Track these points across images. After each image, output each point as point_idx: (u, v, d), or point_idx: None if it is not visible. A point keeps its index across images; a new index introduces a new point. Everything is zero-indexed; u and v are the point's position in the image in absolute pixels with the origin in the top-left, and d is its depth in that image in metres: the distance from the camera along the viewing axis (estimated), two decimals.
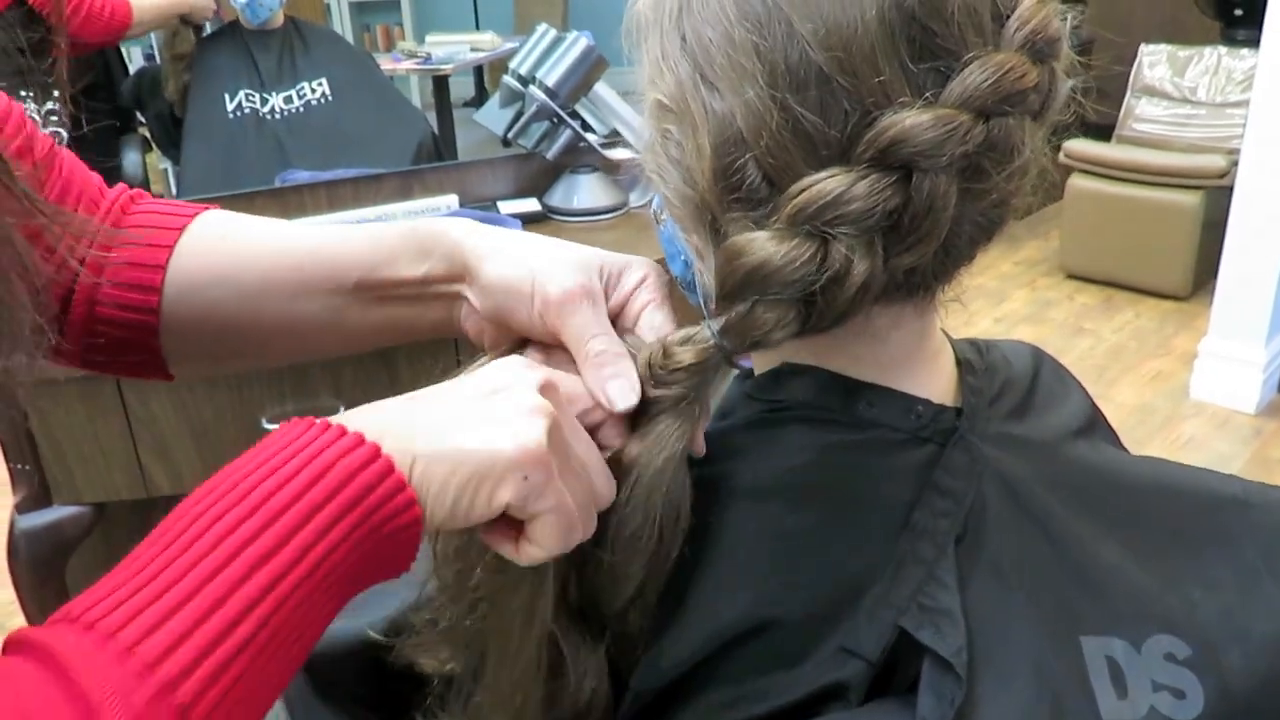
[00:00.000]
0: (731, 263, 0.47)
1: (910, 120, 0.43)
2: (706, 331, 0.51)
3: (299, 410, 1.35)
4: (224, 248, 0.62)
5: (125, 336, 0.62)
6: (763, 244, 0.46)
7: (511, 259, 0.57)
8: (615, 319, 0.57)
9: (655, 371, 0.52)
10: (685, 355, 0.51)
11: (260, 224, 0.65)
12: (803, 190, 0.45)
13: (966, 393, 0.55)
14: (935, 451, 0.53)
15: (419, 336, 0.64)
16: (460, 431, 0.46)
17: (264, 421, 1.35)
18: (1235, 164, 3.15)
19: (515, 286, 0.56)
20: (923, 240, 0.45)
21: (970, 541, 0.51)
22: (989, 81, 0.44)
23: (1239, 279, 2.92)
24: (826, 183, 0.44)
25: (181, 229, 0.62)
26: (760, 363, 0.57)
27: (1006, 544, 0.52)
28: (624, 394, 0.52)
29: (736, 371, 0.60)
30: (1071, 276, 3.97)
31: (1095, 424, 0.61)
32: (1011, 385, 0.58)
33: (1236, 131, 3.69)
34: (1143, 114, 4.06)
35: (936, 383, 0.55)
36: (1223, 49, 3.97)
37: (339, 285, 0.61)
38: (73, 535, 1.38)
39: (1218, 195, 3.48)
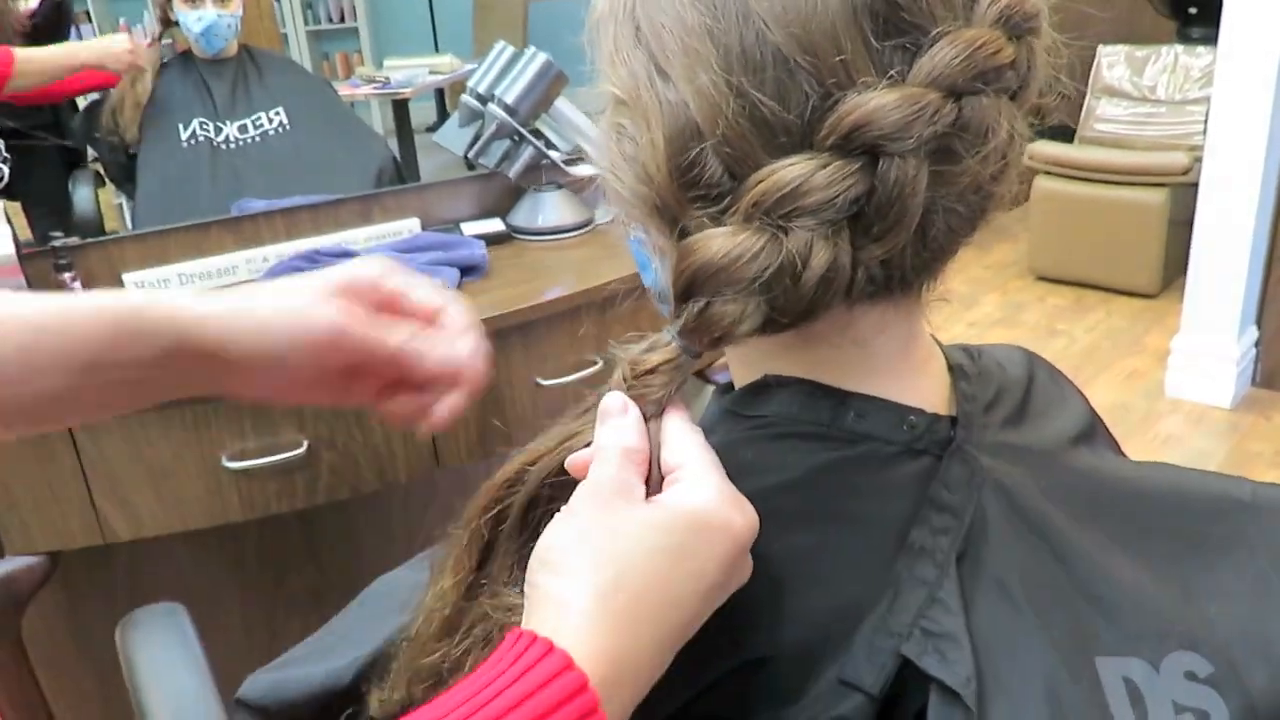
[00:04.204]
0: (681, 262, 0.44)
1: (875, 101, 0.40)
2: (667, 335, 0.48)
3: (260, 447, 1.30)
4: None
5: None
6: (712, 241, 0.43)
7: (254, 327, 0.55)
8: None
9: (627, 386, 0.49)
10: (651, 359, 0.48)
11: None
12: (760, 181, 0.42)
13: (961, 400, 0.52)
14: (931, 464, 0.49)
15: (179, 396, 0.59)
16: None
17: (224, 459, 1.29)
18: (1198, 160, 3.17)
19: (281, 354, 0.55)
20: (891, 229, 0.42)
21: (972, 559, 0.48)
22: (960, 58, 0.41)
23: (1209, 274, 2.93)
24: (784, 172, 0.41)
25: None
26: (740, 375, 0.53)
27: (1011, 560, 0.48)
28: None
29: (714, 387, 0.56)
30: (1041, 278, 3.98)
31: (1095, 429, 0.58)
32: (1007, 391, 0.55)
33: (1197, 128, 3.72)
34: (1103, 114, 4.09)
35: (929, 390, 0.52)
36: (1179, 47, 4.01)
37: (67, 365, 0.54)
38: (27, 587, 1.32)
39: (1182, 192, 3.50)
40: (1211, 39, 3.31)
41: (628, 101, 0.46)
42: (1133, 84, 4.05)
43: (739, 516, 0.44)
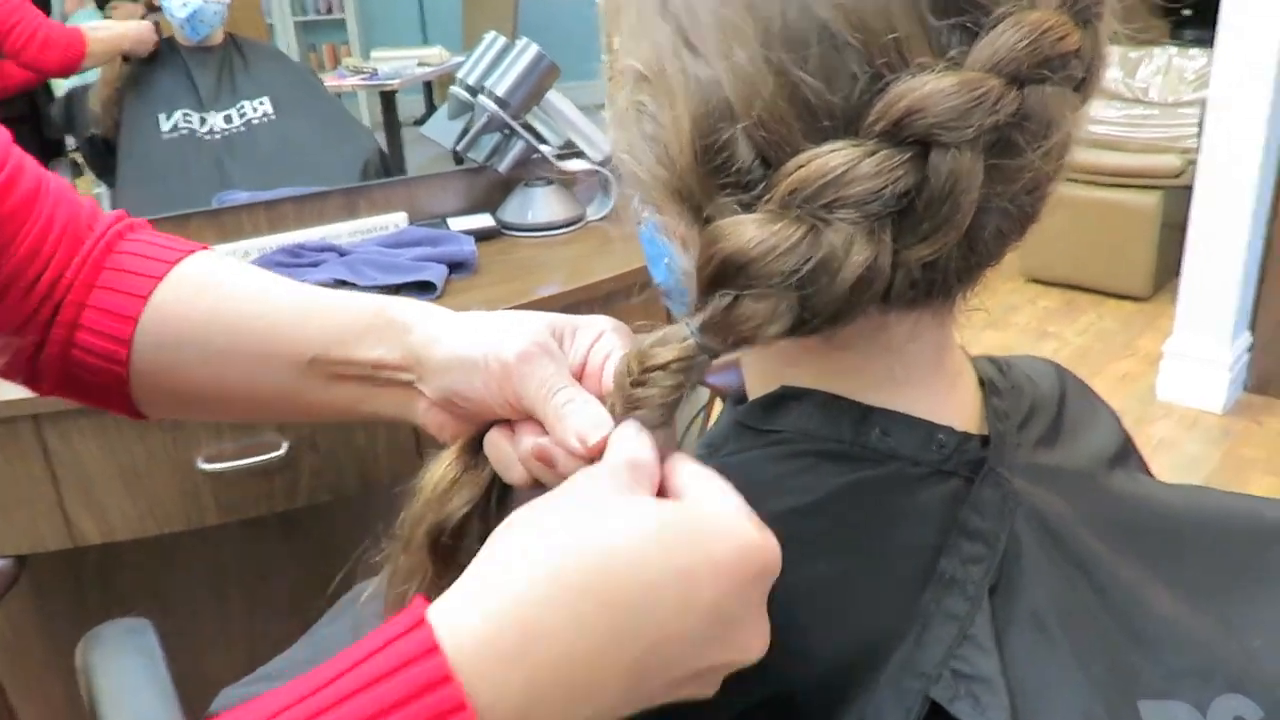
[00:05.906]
0: (708, 249, 0.39)
1: (930, 86, 0.36)
2: (685, 329, 0.42)
3: (238, 449, 1.26)
4: (198, 307, 0.60)
5: (96, 382, 0.61)
6: (744, 228, 0.38)
7: (461, 337, 0.53)
8: (578, 378, 0.49)
9: (630, 381, 0.43)
10: (662, 354, 0.42)
11: (239, 280, 0.61)
12: (800, 166, 0.38)
13: (992, 418, 0.48)
14: (961, 487, 0.45)
15: (375, 419, 0.60)
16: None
17: (199, 462, 1.25)
18: (1191, 163, 3.15)
19: (467, 362, 0.51)
20: (940, 229, 0.38)
21: (1005, 591, 0.44)
22: (1024, 42, 0.37)
23: (1202, 278, 2.91)
24: (828, 158, 0.37)
25: (161, 276, 0.60)
26: (755, 384, 0.49)
27: (1047, 592, 0.44)
28: (597, 427, 0.44)
29: (708, 391, 0.52)
30: (1032, 280, 3.96)
31: (1128, 449, 0.55)
32: (1039, 408, 0.51)
33: (1190, 131, 3.70)
34: (1096, 115, 4.04)
35: (959, 406, 0.48)
36: (1173, 49, 3.99)
37: (295, 360, 0.58)
38: None
39: (1175, 195, 3.49)
40: (1205, 41, 3.29)
41: (650, 77, 0.42)
42: (1125, 85, 4.03)
43: (758, 534, 0.38)
